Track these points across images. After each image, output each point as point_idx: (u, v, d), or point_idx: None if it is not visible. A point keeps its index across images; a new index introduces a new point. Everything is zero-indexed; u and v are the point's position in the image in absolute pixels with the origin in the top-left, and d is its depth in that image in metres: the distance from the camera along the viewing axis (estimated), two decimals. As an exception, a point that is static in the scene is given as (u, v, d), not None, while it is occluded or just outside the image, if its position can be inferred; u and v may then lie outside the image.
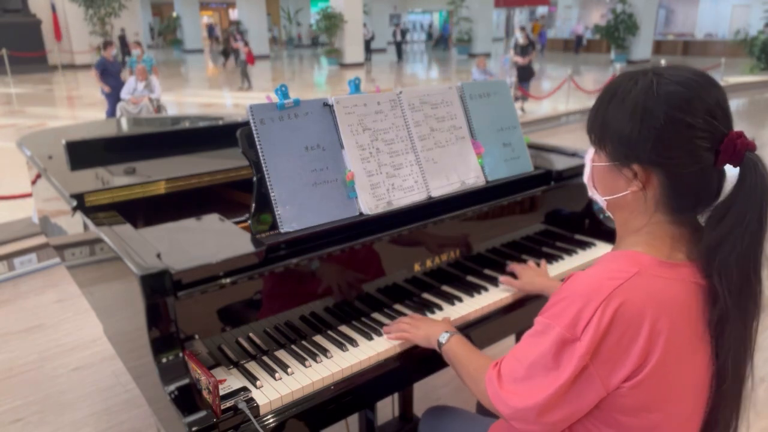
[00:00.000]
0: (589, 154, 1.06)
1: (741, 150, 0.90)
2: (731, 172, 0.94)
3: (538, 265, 1.77)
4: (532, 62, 10.48)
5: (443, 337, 1.30)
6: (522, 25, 19.42)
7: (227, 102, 12.39)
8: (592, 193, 1.08)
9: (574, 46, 27.54)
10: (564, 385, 0.91)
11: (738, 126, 0.92)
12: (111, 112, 8.75)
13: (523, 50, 10.36)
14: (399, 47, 23.46)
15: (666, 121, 0.91)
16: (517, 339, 2.24)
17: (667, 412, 0.94)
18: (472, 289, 1.68)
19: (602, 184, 1.04)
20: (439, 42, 33.58)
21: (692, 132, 0.90)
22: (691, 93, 0.91)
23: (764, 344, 3.04)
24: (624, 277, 0.91)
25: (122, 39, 21.28)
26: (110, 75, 8.62)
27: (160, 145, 2.22)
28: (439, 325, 1.39)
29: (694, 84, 0.92)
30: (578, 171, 1.99)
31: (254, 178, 1.43)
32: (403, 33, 24.95)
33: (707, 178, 0.94)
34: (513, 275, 1.72)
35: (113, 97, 8.61)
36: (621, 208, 1.03)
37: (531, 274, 1.67)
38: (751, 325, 0.95)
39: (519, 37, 10.55)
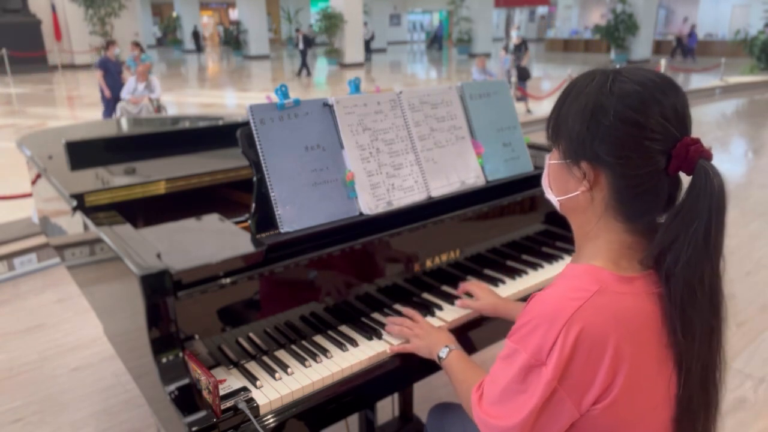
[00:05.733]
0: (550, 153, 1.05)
1: (693, 157, 0.87)
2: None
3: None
4: (527, 62, 10.64)
5: (443, 352, 1.31)
6: (518, 25, 19.42)
7: (227, 102, 12.38)
8: (548, 193, 1.07)
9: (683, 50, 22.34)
10: (535, 409, 0.90)
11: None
12: (108, 114, 8.59)
13: (515, 49, 10.66)
14: (301, 57, 17.20)
15: (616, 118, 0.89)
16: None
17: (644, 427, 0.94)
18: (472, 289, 1.68)
19: (556, 184, 1.03)
20: (434, 42, 31.64)
21: (643, 132, 0.88)
22: (645, 93, 0.89)
23: (764, 345, 3.04)
24: (584, 296, 0.89)
25: (195, 34, 21.24)
26: (110, 75, 8.51)
27: (160, 145, 2.23)
28: (441, 337, 1.37)
29: (651, 84, 0.89)
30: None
31: (254, 178, 1.43)
32: (308, 40, 17.36)
33: (657, 183, 0.91)
34: (469, 293, 1.61)
35: (111, 99, 8.49)
36: (573, 210, 1.02)
37: (488, 295, 1.55)
38: (707, 337, 0.91)
39: (513, 36, 10.93)
